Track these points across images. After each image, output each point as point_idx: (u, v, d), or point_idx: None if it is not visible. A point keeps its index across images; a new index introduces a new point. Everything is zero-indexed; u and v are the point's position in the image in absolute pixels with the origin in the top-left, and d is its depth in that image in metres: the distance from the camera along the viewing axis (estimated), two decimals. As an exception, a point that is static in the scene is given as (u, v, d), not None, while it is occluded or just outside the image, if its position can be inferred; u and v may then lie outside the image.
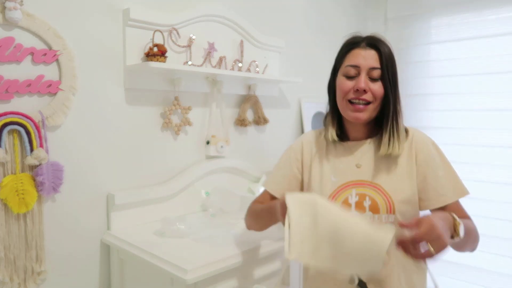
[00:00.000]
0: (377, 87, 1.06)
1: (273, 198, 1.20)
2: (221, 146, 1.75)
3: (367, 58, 1.06)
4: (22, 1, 1.16)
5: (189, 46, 1.60)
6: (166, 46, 1.50)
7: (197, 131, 1.72)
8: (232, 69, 1.75)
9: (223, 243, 1.29)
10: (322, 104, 2.34)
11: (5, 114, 1.16)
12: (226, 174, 1.80)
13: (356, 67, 1.07)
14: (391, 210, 1.05)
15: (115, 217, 1.42)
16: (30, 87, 1.22)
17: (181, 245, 1.28)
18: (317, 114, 2.29)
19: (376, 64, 1.06)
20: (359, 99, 1.06)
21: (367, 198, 1.07)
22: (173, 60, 1.56)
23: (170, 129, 1.62)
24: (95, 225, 1.41)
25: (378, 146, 1.11)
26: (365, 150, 1.13)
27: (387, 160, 1.10)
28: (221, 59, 1.70)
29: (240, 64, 1.77)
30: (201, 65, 1.64)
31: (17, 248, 1.22)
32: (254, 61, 1.85)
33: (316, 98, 2.30)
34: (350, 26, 2.53)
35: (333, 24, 2.41)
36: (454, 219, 0.94)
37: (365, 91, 1.05)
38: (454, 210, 1.06)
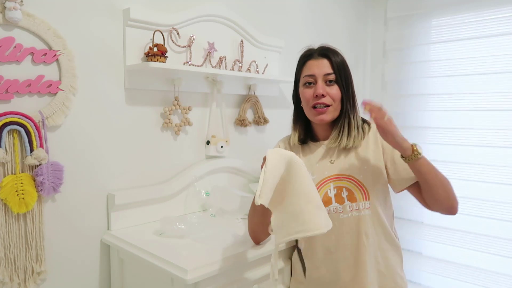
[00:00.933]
0: (334, 91, 1.22)
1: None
2: (221, 146, 1.75)
3: (320, 66, 1.22)
4: (22, 1, 1.16)
5: (189, 46, 1.60)
6: (166, 46, 1.50)
7: (197, 131, 1.72)
8: (232, 69, 1.75)
9: (223, 243, 1.28)
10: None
11: (5, 114, 1.16)
12: (226, 174, 1.80)
13: (312, 76, 1.23)
14: (366, 197, 1.20)
15: (115, 217, 1.43)
16: (30, 87, 1.22)
17: (181, 245, 1.28)
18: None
19: (329, 70, 1.22)
20: (320, 104, 1.21)
21: (344, 190, 1.21)
22: (173, 60, 1.56)
23: (170, 129, 1.62)
24: (95, 225, 1.41)
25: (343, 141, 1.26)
26: (336, 146, 1.26)
27: (356, 153, 1.24)
28: (221, 59, 1.70)
29: (240, 64, 1.77)
30: (201, 65, 1.64)
31: (17, 248, 1.22)
32: (254, 61, 1.85)
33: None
34: (350, 26, 2.53)
35: (333, 24, 2.41)
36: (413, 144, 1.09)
37: (323, 96, 1.21)
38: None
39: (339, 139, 1.23)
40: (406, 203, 2.40)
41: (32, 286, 1.26)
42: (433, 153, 2.34)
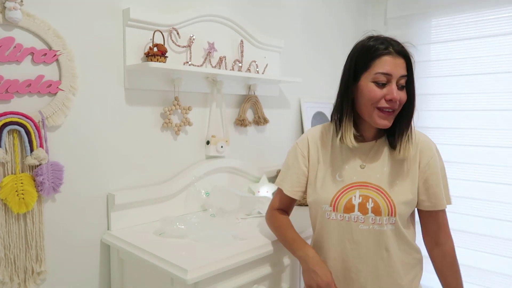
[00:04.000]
0: (403, 95, 1.09)
1: (290, 198, 1.27)
2: (221, 146, 1.75)
3: (397, 66, 1.07)
4: (22, 1, 1.16)
5: (189, 46, 1.60)
6: (166, 46, 1.50)
7: (197, 131, 1.72)
8: (232, 69, 1.75)
9: (223, 243, 1.28)
10: (322, 104, 2.34)
11: (5, 114, 1.16)
12: (226, 174, 1.80)
13: (388, 75, 1.07)
14: (392, 213, 1.11)
15: (115, 217, 1.42)
16: (30, 87, 1.22)
17: (181, 245, 1.28)
18: (317, 114, 2.29)
19: (404, 72, 1.09)
20: (389, 108, 1.08)
21: (370, 200, 1.11)
22: (173, 60, 1.56)
23: (170, 129, 1.62)
24: (95, 225, 1.41)
25: (383, 146, 1.17)
26: (372, 151, 1.17)
27: (393, 163, 1.15)
28: (221, 59, 1.70)
29: (240, 64, 1.77)
30: (201, 65, 1.64)
31: (17, 248, 1.22)
32: (254, 61, 1.85)
33: (316, 98, 2.30)
34: (350, 26, 2.53)
35: (333, 24, 2.41)
36: None
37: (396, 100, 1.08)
38: (438, 215, 1.15)
39: (407, 148, 1.12)
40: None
41: (32, 286, 1.26)
42: (433, 153, 2.35)
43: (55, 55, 1.26)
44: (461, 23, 2.26)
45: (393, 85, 1.07)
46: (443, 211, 1.16)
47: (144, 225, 1.48)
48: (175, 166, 1.64)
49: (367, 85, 1.10)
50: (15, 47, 1.19)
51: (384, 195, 1.12)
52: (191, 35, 1.60)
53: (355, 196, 1.13)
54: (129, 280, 1.36)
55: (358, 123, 1.17)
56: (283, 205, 1.31)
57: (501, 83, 2.14)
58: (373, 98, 1.09)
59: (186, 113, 1.63)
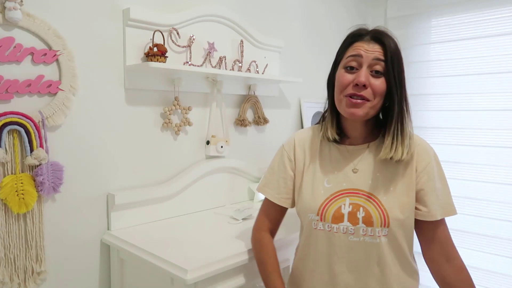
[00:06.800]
0: (379, 83, 0.97)
1: (278, 208, 1.16)
2: (221, 146, 1.75)
3: (370, 49, 0.98)
4: (22, 1, 1.16)
5: (189, 46, 1.60)
6: (166, 46, 1.50)
7: (197, 131, 1.72)
8: (232, 69, 1.75)
9: (223, 243, 1.28)
10: (322, 104, 2.33)
11: (5, 114, 1.16)
12: (226, 174, 1.80)
13: (357, 56, 0.99)
14: (385, 224, 0.99)
15: (115, 217, 1.42)
16: (30, 87, 1.22)
17: (181, 245, 1.28)
18: (317, 114, 2.29)
19: (380, 56, 0.98)
20: (357, 95, 0.98)
21: (361, 210, 1.00)
22: (173, 60, 1.56)
23: (170, 129, 1.62)
24: (95, 225, 1.41)
25: (377, 151, 1.04)
26: (363, 155, 1.06)
27: (386, 168, 1.03)
28: (221, 59, 1.70)
29: (240, 64, 1.77)
30: (201, 65, 1.64)
31: (17, 248, 1.22)
32: (254, 61, 1.85)
33: (316, 98, 2.30)
34: (349, 26, 2.52)
35: (333, 24, 2.41)
36: None
37: (364, 86, 0.97)
38: (439, 227, 1.04)
39: (393, 149, 0.99)
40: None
41: (32, 286, 1.26)
42: (433, 153, 2.35)
43: (55, 55, 1.26)
44: (461, 23, 2.26)
45: (363, 69, 0.97)
46: (443, 225, 1.05)
47: (144, 225, 1.48)
48: (175, 166, 1.64)
49: (339, 72, 1.03)
50: (15, 47, 1.19)
51: (377, 203, 1.00)
52: (191, 35, 1.60)
53: (344, 204, 1.02)
54: (129, 280, 1.36)
55: (342, 121, 1.09)
56: (271, 219, 1.18)
57: (501, 83, 2.14)
58: (342, 84, 1.00)
59: (186, 113, 1.63)
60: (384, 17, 2.58)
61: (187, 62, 1.59)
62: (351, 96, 0.99)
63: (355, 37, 1.03)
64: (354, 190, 1.03)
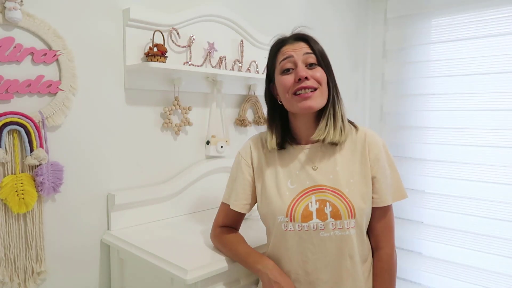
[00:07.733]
0: (316, 72, 1.05)
1: (237, 213, 1.20)
2: (221, 146, 1.75)
3: (298, 48, 1.07)
4: (22, 1, 1.16)
5: (189, 46, 1.60)
6: (166, 46, 1.50)
7: (197, 131, 1.72)
8: (232, 69, 1.75)
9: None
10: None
11: (5, 114, 1.16)
12: (226, 174, 1.80)
13: (289, 57, 1.06)
14: (352, 214, 1.03)
15: (115, 217, 1.43)
16: (30, 87, 1.22)
17: (181, 245, 1.28)
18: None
19: (308, 50, 1.07)
20: (304, 88, 1.03)
21: (328, 205, 1.03)
22: (173, 60, 1.56)
23: (170, 129, 1.62)
24: (95, 225, 1.41)
25: (331, 146, 1.10)
26: (320, 152, 1.10)
27: (343, 161, 1.09)
28: (221, 59, 1.70)
29: (240, 64, 1.77)
30: (201, 65, 1.64)
31: (17, 248, 1.22)
32: (254, 61, 1.85)
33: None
34: (350, 26, 2.53)
35: (333, 24, 2.41)
36: None
37: (307, 78, 1.03)
38: (386, 213, 1.10)
39: (326, 131, 1.05)
40: (406, 203, 2.41)
41: (32, 286, 1.26)
42: (433, 153, 2.35)
43: (55, 55, 1.26)
44: (461, 23, 2.26)
45: (299, 65, 1.05)
46: (390, 211, 1.11)
47: (144, 225, 1.48)
48: (175, 166, 1.64)
49: (278, 79, 1.09)
50: (15, 47, 1.19)
51: (342, 196, 1.04)
52: (191, 35, 1.60)
53: (311, 202, 1.04)
54: (129, 280, 1.36)
55: (293, 124, 1.13)
56: (229, 221, 1.22)
57: (501, 83, 2.14)
58: (285, 86, 1.06)
59: (186, 113, 1.63)
60: (384, 17, 2.57)
61: (187, 62, 1.59)
62: (298, 91, 1.04)
63: (279, 44, 1.11)
64: (318, 187, 1.06)
